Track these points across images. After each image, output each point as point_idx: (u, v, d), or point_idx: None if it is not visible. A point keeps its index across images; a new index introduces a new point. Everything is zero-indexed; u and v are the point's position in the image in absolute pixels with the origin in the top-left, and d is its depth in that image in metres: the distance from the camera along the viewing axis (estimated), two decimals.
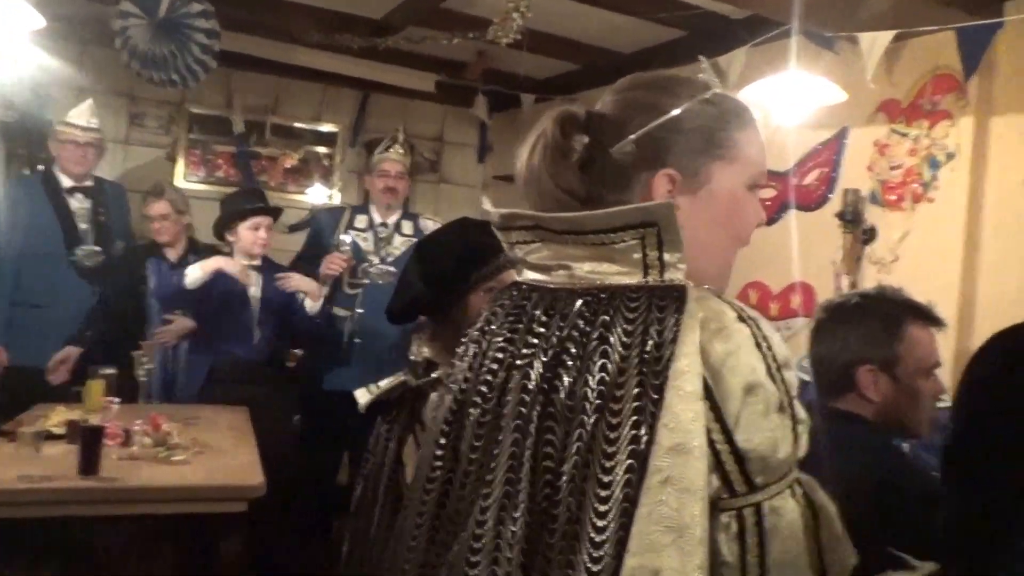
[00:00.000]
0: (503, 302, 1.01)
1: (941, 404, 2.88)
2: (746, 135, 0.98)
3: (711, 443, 0.81)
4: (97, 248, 4.01)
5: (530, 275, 0.99)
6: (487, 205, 1.03)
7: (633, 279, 0.89)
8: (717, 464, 0.81)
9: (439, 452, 0.98)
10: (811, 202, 3.75)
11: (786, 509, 0.83)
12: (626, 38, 4.33)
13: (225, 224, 3.83)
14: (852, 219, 3.47)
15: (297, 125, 5.51)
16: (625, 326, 0.85)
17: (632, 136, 0.94)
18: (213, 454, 2.85)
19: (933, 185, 3.31)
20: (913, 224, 3.36)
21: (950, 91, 3.26)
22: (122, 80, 4.57)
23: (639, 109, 0.96)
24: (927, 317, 1.74)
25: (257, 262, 3.82)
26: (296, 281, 3.81)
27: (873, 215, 3.50)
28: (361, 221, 4.42)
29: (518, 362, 0.92)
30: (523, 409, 0.89)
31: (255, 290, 3.81)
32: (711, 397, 0.81)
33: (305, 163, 5.56)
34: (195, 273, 3.57)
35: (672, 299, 0.85)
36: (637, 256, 0.89)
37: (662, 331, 0.83)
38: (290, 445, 3.65)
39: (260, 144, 5.42)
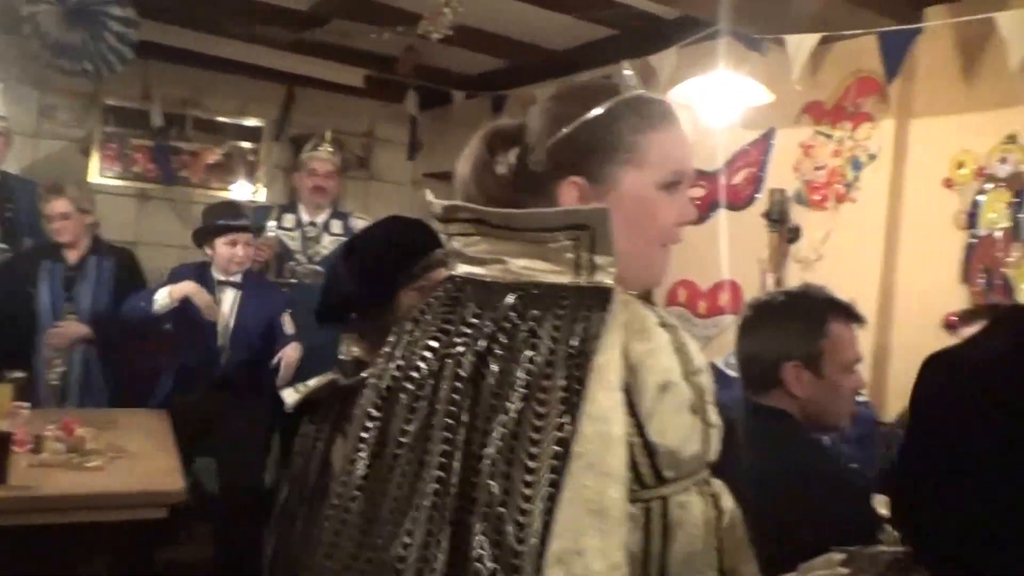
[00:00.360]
0: (438, 294, 1.03)
1: (860, 398, 2.99)
2: (657, 137, 1.00)
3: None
4: (3, 246, 3.82)
5: (465, 268, 1.01)
6: (430, 197, 1.05)
7: (564, 278, 0.94)
8: (629, 457, 0.85)
9: (364, 435, 0.98)
10: (739, 201, 3.82)
11: (692, 505, 0.87)
12: (558, 35, 4.32)
13: (202, 238, 3.69)
14: (778, 218, 3.56)
15: (220, 119, 5.33)
16: (554, 322, 0.89)
17: (541, 148, 1.00)
18: (130, 459, 2.73)
19: (855, 186, 3.41)
20: (836, 224, 3.46)
21: (872, 94, 3.36)
22: (32, 69, 4.34)
23: (554, 120, 1.01)
24: (849, 314, 1.78)
25: (236, 278, 3.67)
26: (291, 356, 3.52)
27: (798, 215, 3.59)
28: (288, 220, 4.33)
29: (451, 351, 0.94)
30: (456, 396, 0.92)
31: (228, 308, 3.65)
32: (628, 393, 0.85)
33: (229, 158, 5.38)
34: (163, 299, 3.40)
35: (599, 300, 0.90)
36: (570, 256, 0.93)
37: (588, 328, 0.87)
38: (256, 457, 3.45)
39: (181, 138, 5.22)
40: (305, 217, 4.34)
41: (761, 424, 1.53)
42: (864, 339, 3.08)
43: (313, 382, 1.67)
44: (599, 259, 0.92)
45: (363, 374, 1.59)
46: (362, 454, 0.97)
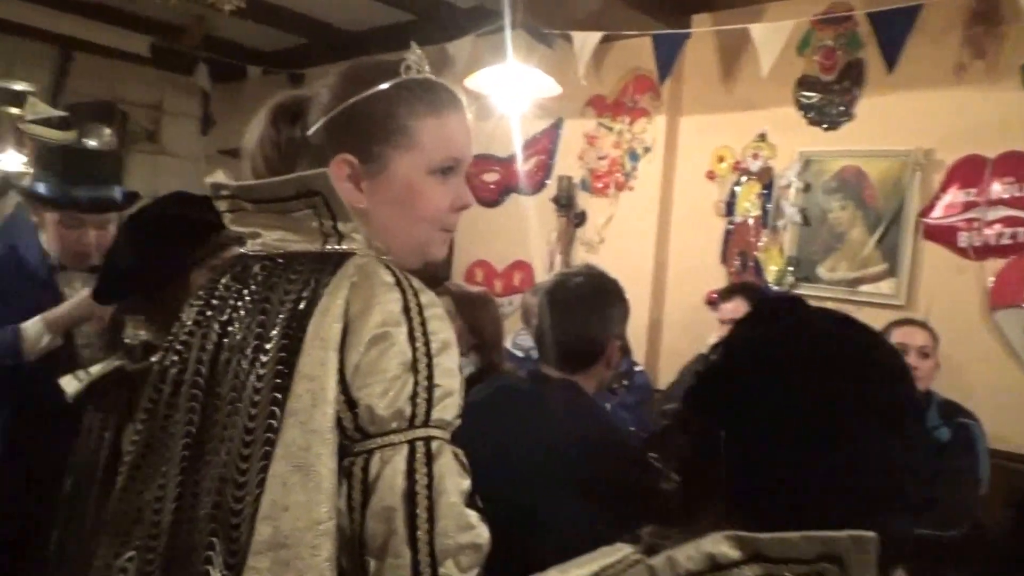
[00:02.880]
0: (213, 273, 1.06)
1: (637, 368, 3.27)
2: (432, 122, 0.98)
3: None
4: None
5: (248, 245, 1.03)
6: (211, 178, 1.04)
7: (313, 247, 0.95)
8: (335, 412, 0.85)
9: (144, 416, 1.02)
10: (531, 187, 4.04)
11: (394, 461, 0.84)
12: (356, 17, 4.33)
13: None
14: (565, 204, 3.81)
15: None
16: (287, 286, 0.92)
17: (318, 123, 0.98)
18: None
19: (633, 175, 3.73)
20: (616, 209, 3.76)
21: (647, 91, 3.68)
22: None
23: (335, 95, 0.99)
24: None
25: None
26: None
27: (583, 200, 3.86)
28: None
29: (203, 324, 0.99)
30: (201, 367, 0.96)
31: None
32: (343, 348, 0.86)
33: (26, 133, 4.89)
34: (39, 337, 2.05)
35: (332, 264, 0.91)
36: (315, 225, 0.95)
37: (316, 289, 0.89)
38: None
39: None
40: None
41: (557, 395, 1.62)
42: (639, 314, 3.41)
43: (96, 369, 1.56)
44: (342, 226, 0.94)
45: (153, 358, 1.45)
46: (142, 428, 1.01)
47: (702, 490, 0.81)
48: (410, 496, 0.83)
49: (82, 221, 2.02)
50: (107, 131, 5.21)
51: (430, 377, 0.87)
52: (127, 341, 1.60)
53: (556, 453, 1.47)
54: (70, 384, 1.55)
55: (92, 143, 5.22)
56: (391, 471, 0.84)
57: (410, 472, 0.84)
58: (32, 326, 2.00)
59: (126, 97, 5.01)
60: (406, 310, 0.88)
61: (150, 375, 1.05)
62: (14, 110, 4.95)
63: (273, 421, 0.85)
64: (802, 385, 0.78)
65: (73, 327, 1.99)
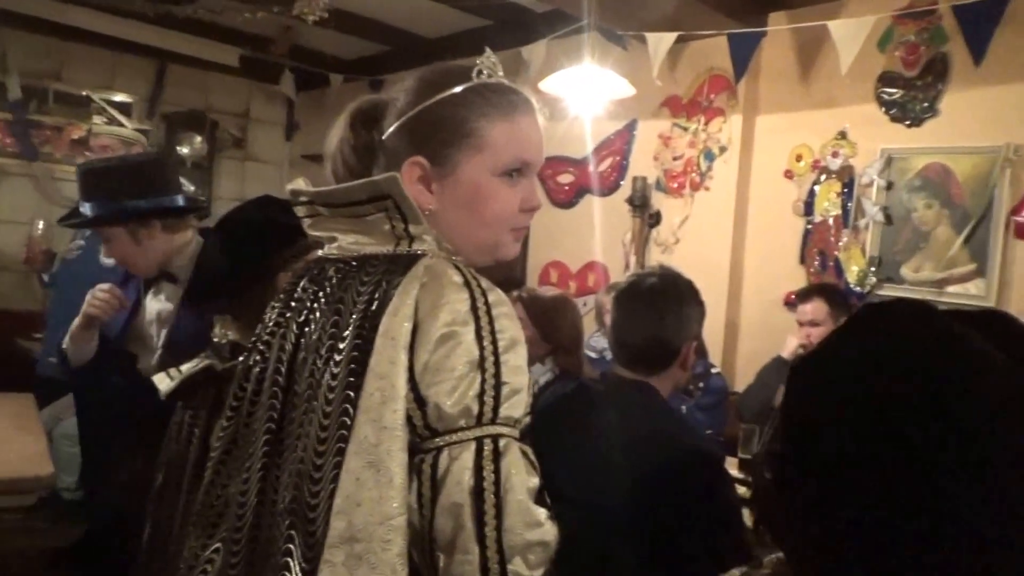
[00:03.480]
0: (294, 277, 1.10)
1: (714, 370, 3.25)
2: (503, 125, 0.99)
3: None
4: None
5: (327, 248, 1.06)
6: (291, 184, 1.07)
7: (386, 249, 0.97)
8: (406, 410, 0.87)
9: (229, 414, 1.06)
10: (605, 187, 4.05)
11: (462, 458, 0.86)
12: (433, 23, 4.42)
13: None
14: (640, 204, 3.80)
15: (85, 93, 5.06)
16: (360, 287, 0.94)
17: (393, 126, 1.01)
18: None
19: (708, 175, 3.69)
20: (692, 210, 3.74)
21: (723, 90, 3.64)
22: None
23: (410, 99, 1.01)
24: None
25: None
26: None
27: (658, 201, 3.85)
28: None
29: (283, 324, 1.03)
30: (280, 366, 0.99)
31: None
32: (412, 347, 0.88)
33: (96, 135, 5.11)
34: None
35: (403, 266, 0.93)
36: (387, 228, 0.97)
37: (387, 290, 0.91)
38: None
39: (42, 112, 4.94)
40: None
41: (630, 397, 1.62)
42: (716, 315, 3.38)
43: (186, 367, 1.59)
44: (413, 228, 0.96)
45: (241, 358, 1.61)
46: (229, 424, 1.06)
47: (773, 531, 0.71)
48: (477, 493, 0.85)
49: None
50: (198, 138, 5.50)
51: (497, 375, 0.88)
52: (216, 340, 1.65)
53: (629, 455, 1.47)
54: (162, 382, 1.59)
55: (184, 150, 5.46)
56: (458, 468, 0.85)
57: (477, 469, 0.85)
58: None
59: (216, 106, 5.24)
60: (474, 309, 0.89)
61: (235, 374, 1.10)
62: (95, 119, 5.19)
63: (346, 418, 0.87)
64: (886, 414, 0.61)
65: (86, 330, 1.97)
